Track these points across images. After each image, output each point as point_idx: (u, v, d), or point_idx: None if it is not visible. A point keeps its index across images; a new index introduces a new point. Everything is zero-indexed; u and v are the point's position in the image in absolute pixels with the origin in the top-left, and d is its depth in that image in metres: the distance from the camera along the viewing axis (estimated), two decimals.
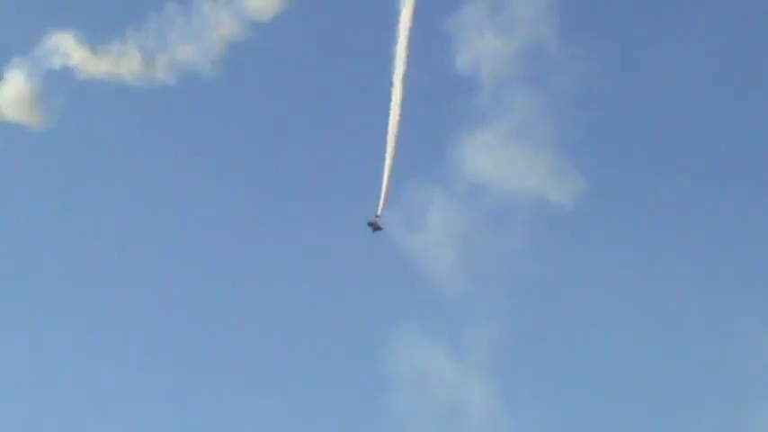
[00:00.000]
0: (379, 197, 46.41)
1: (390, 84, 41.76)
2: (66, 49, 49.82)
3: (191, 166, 61.55)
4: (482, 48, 53.78)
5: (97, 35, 49.84)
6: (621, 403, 56.62)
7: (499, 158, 56.04)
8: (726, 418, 54.40)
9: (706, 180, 61.18)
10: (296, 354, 60.25)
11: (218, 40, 49.29)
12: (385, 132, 43.55)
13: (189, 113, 59.33)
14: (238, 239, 62.35)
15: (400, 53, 41.21)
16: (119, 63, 50.07)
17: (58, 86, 50.38)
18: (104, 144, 59.75)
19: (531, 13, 53.52)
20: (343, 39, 60.74)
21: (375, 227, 47.52)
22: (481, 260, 57.43)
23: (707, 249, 58.75)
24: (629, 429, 55.23)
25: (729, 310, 57.37)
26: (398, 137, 44.89)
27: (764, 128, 61.76)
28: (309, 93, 63.17)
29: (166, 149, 60.72)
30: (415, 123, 42.90)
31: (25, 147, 51.65)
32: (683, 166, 61.43)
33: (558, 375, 58.15)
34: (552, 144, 55.74)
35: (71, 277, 60.61)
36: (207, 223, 62.76)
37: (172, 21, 49.12)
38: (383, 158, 44.89)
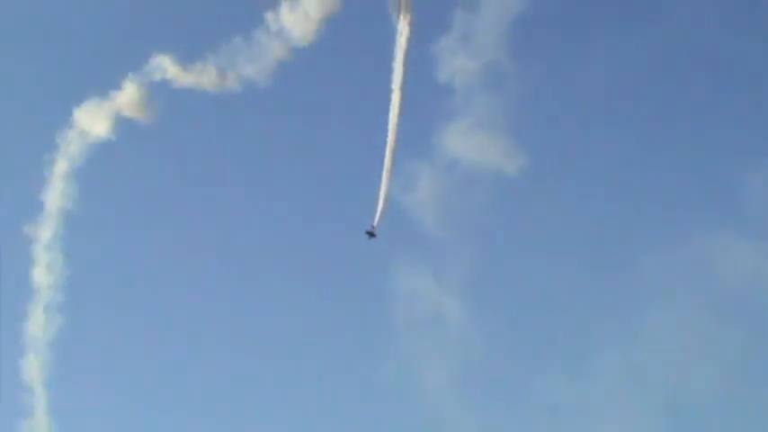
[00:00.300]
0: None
1: (390, 90, 50.32)
2: (165, 66, 58.08)
3: (249, 151, 75.52)
4: (456, 64, 62.21)
5: (186, 57, 58.10)
6: (553, 311, 70.78)
7: (468, 142, 65.82)
8: (625, 322, 69.28)
9: (615, 157, 76.04)
10: (315, 279, 73.35)
11: (271, 60, 56.82)
12: (386, 122, 51.38)
13: (249, 113, 72.12)
14: (278, 205, 76.21)
15: (398, 68, 49.94)
16: (201, 76, 58.40)
17: (159, 92, 58.57)
18: (191, 133, 73.44)
19: (491, 40, 62.01)
20: (355, 59, 72.40)
21: (371, 234, 54.33)
22: (456, 212, 68.85)
23: (614, 201, 74.26)
24: (558, 328, 70.31)
25: (632, 238, 72.44)
26: (395, 151, 52.21)
27: (656, 121, 77.06)
28: (331, 96, 75.31)
29: (233, 138, 74.45)
30: (409, 117, 51.22)
31: (137, 135, 61.68)
32: (600, 147, 76.17)
33: (511, 293, 72.39)
34: (505, 132, 65.98)
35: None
36: (253, 185, 76.75)
37: (238, 47, 57.14)
38: (385, 146, 51.84)
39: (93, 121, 60.54)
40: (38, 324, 62.21)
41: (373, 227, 54.09)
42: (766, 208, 71.42)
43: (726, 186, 73.81)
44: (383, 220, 53.73)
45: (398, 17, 50.42)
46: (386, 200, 52.85)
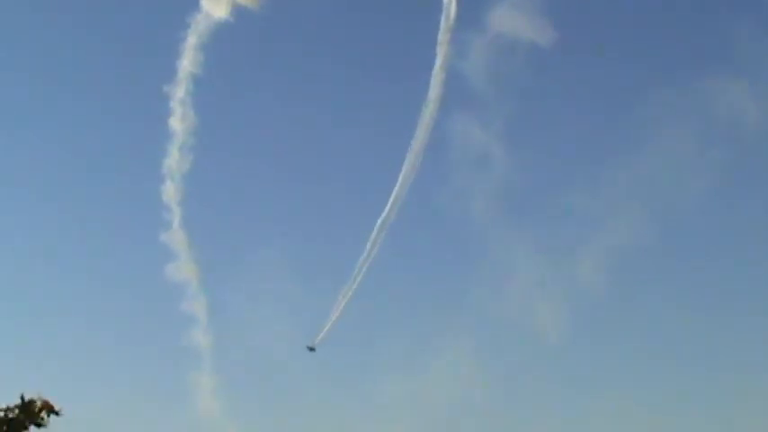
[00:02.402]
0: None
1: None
2: None
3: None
4: None
5: None
6: (570, 148, 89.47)
7: (511, 20, 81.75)
8: (631, 152, 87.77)
9: (623, 33, 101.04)
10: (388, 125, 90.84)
11: None
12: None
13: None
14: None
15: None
16: None
17: None
18: (283, 14, 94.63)
19: None
20: None
21: (311, 349, 67.11)
22: (500, 75, 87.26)
23: (622, 64, 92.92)
24: (573, 159, 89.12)
25: (638, 86, 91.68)
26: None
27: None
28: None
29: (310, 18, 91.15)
30: None
31: (248, 17, 74.95)
32: (609, 27, 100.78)
33: (542, 138, 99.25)
34: (540, 12, 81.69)
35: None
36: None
37: None
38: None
39: (215, 6, 73.65)
40: (174, 159, 79.24)
41: (314, 344, 67.21)
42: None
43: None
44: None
45: None
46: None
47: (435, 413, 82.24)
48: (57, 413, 33.69)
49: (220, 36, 76.12)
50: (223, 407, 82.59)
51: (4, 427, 33.45)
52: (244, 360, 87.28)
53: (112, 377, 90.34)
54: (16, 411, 33.93)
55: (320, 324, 76.44)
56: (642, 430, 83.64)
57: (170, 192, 79.55)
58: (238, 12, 74.21)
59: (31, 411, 33.82)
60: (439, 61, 65.24)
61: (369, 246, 77.56)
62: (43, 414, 33.67)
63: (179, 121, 78.10)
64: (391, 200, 75.96)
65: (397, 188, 74.04)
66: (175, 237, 79.99)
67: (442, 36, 65.58)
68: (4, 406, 33.77)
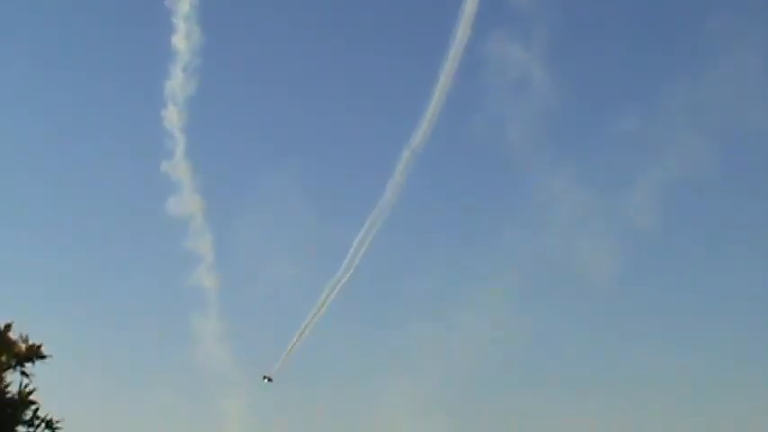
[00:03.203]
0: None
1: None
2: None
3: None
4: None
5: None
6: (623, 70, 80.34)
7: None
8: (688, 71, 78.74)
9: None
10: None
11: None
12: None
13: None
14: None
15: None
16: None
17: None
18: None
19: None
20: None
21: (269, 379, 62.41)
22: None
23: None
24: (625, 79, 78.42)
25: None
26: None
27: None
28: None
29: None
30: None
31: None
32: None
33: (589, 58, 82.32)
34: None
35: None
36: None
37: None
38: None
39: None
40: (177, 81, 72.97)
41: (271, 374, 63.10)
42: None
43: None
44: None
45: None
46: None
47: (464, 363, 76.14)
48: (43, 357, 27.05)
49: None
50: (230, 354, 76.53)
51: None
52: (253, 303, 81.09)
53: (109, 320, 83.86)
54: None
55: (333, 271, 70.54)
56: (699, 385, 75.99)
57: (172, 117, 74.36)
58: None
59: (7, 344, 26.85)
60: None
61: (393, 178, 72.65)
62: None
63: (183, 39, 71.66)
64: (420, 126, 71.23)
65: (426, 113, 69.43)
66: (178, 167, 76.45)
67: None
68: None
